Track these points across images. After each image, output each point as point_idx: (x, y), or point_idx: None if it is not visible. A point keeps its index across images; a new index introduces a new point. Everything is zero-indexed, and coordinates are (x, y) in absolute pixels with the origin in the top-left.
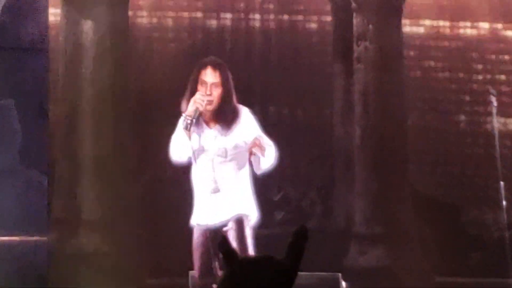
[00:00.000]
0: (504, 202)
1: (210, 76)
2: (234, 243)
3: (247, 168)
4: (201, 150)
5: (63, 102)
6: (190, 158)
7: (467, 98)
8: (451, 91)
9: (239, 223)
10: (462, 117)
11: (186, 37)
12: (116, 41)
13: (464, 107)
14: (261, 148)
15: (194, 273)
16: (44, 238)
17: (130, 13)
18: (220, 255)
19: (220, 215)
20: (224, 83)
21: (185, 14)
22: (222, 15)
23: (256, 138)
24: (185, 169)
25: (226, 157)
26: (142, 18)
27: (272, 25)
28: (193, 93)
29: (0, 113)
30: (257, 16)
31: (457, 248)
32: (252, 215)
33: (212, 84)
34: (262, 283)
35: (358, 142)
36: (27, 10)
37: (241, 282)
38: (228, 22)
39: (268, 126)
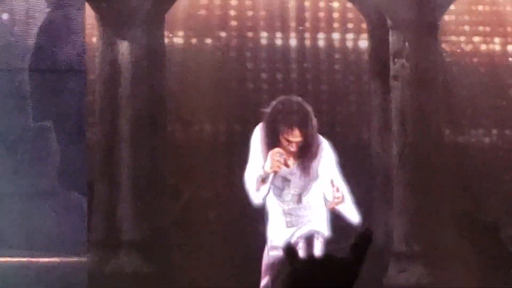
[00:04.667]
0: None
1: (296, 136)
2: None
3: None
4: (279, 187)
5: (101, 123)
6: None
7: (503, 114)
8: (488, 108)
9: (309, 241)
10: (500, 132)
11: (222, 57)
12: (152, 61)
13: (501, 123)
14: (339, 202)
15: None
16: (84, 259)
17: (166, 33)
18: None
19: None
20: (307, 133)
21: (222, 34)
22: (257, 34)
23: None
24: (224, 189)
25: (301, 202)
26: (178, 38)
27: (307, 43)
28: (272, 137)
29: (38, 135)
30: (293, 34)
31: (497, 265)
32: (323, 230)
33: (296, 142)
34: (322, 281)
35: (396, 160)
36: (63, 32)
37: (302, 280)
38: (263, 41)
39: None
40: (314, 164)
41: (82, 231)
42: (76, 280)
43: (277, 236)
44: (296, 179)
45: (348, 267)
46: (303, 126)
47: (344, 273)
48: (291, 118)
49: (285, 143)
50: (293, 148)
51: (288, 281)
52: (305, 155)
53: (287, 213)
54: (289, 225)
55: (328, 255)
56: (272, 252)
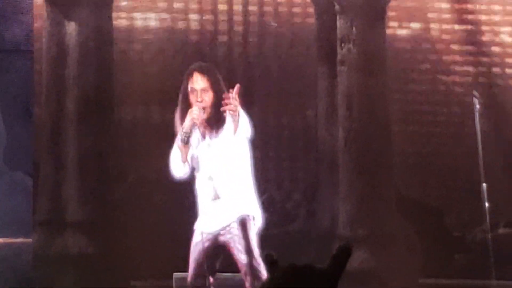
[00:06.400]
0: (486, 204)
1: (198, 82)
2: (239, 245)
3: (248, 167)
4: (198, 161)
5: (48, 104)
6: (190, 172)
7: (450, 100)
8: (433, 93)
9: (243, 224)
10: (445, 119)
11: (168, 39)
12: (99, 42)
13: (447, 109)
14: (234, 110)
15: (179, 275)
16: (29, 240)
17: (113, 14)
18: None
19: (222, 221)
20: (214, 86)
21: (168, 16)
22: (204, 17)
23: (228, 97)
24: (169, 172)
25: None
26: (126, 20)
27: (255, 27)
28: (184, 102)
29: None
30: (240, 18)
31: (440, 250)
32: (256, 215)
33: (202, 90)
34: None
35: (342, 144)
36: (11, 12)
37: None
38: (210, 25)
39: (252, 128)
40: (221, 131)
41: (28, 211)
42: (21, 261)
43: (205, 223)
44: (211, 149)
45: (328, 276)
46: (204, 71)
47: (323, 282)
48: (190, 69)
49: (194, 99)
50: (202, 102)
51: None
52: (215, 122)
53: (210, 180)
54: (215, 196)
55: (307, 264)
56: (198, 236)
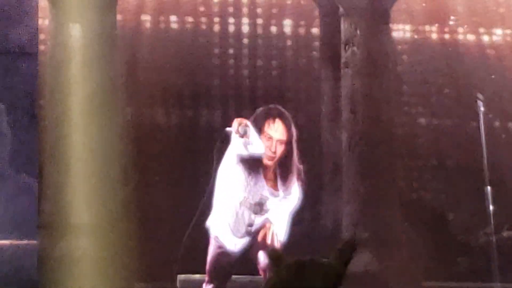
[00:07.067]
0: (490, 207)
1: (278, 131)
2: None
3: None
4: (248, 198)
5: (53, 106)
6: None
7: (454, 102)
8: (437, 96)
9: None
10: (449, 122)
11: (174, 40)
12: (104, 44)
13: (451, 112)
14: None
15: (183, 277)
16: (34, 242)
17: (118, 17)
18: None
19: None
20: (289, 140)
21: (174, 18)
22: (210, 19)
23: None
24: (172, 175)
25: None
26: (131, 22)
27: (259, 29)
28: (257, 131)
29: None
30: (245, 20)
31: (444, 253)
32: (277, 224)
33: (278, 141)
34: (306, 284)
35: (345, 147)
36: (16, 14)
37: (286, 282)
38: (215, 27)
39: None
40: (291, 185)
41: (33, 214)
42: (26, 263)
43: (230, 241)
44: (276, 199)
45: (333, 270)
46: (286, 122)
47: (329, 276)
48: (273, 111)
49: (266, 143)
50: (272, 149)
51: (273, 283)
52: (281, 175)
53: (249, 224)
54: (247, 234)
55: (312, 258)
56: (223, 255)
